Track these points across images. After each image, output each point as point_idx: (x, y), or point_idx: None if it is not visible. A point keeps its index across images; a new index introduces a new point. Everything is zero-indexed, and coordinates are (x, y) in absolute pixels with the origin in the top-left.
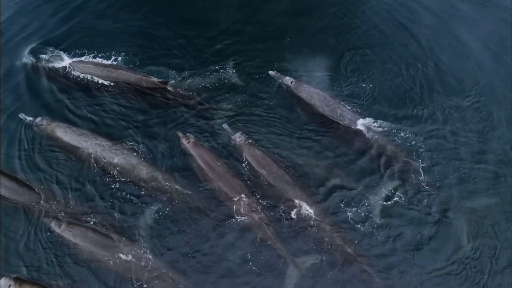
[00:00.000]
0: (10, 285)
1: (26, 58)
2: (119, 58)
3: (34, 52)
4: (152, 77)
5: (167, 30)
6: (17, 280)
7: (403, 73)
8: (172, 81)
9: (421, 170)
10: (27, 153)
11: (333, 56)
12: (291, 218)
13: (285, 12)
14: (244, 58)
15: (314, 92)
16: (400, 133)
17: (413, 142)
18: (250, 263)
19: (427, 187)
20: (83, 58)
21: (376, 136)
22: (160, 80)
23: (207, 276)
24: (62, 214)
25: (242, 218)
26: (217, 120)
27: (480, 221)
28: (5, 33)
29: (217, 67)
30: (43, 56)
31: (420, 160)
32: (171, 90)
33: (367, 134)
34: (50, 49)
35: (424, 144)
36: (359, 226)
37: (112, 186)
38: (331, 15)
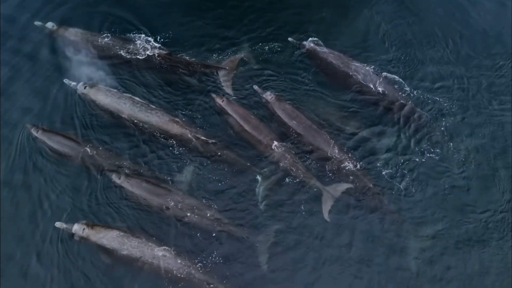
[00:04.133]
0: (84, 229)
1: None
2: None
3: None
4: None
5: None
6: (88, 224)
7: (443, 45)
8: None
9: (443, 129)
10: (81, 118)
11: (372, 29)
12: (320, 162)
13: None
14: (277, 28)
15: (330, 52)
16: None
17: (445, 104)
18: (289, 201)
19: (452, 145)
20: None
21: (389, 89)
22: (165, 52)
23: (250, 215)
24: (120, 169)
25: (276, 160)
26: (247, 85)
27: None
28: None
29: (249, 38)
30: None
31: (445, 121)
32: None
33: (378, 87)
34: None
35: (452, 109)
36: (385, 175)
37: (152, 143)
38: None
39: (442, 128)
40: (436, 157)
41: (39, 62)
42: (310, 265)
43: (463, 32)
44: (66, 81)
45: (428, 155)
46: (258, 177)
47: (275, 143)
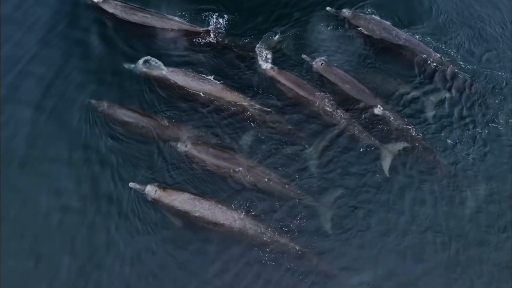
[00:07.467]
0: (156, 190)
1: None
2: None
3: None
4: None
5: None
6: (160, 186)
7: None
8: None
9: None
10: (143, 92)
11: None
12: (376, 124)
13: None
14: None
15: (370, 19)
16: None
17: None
18: (350, 162)
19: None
20: None
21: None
22: (204, 29)
23: (312, 181)
24: (185, 137)
25: (332, 121)
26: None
27: None
28: None
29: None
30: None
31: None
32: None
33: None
34: None
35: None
36: (450, 144)
37: (211, 112)
38: None
39: (497, 101)
40: (500, 128)
41: (89, 44)
42: (385, 228)
43: None
44: (126, 65)
45: (491, 124)
46: (306, 147)
47: (318, 93)
